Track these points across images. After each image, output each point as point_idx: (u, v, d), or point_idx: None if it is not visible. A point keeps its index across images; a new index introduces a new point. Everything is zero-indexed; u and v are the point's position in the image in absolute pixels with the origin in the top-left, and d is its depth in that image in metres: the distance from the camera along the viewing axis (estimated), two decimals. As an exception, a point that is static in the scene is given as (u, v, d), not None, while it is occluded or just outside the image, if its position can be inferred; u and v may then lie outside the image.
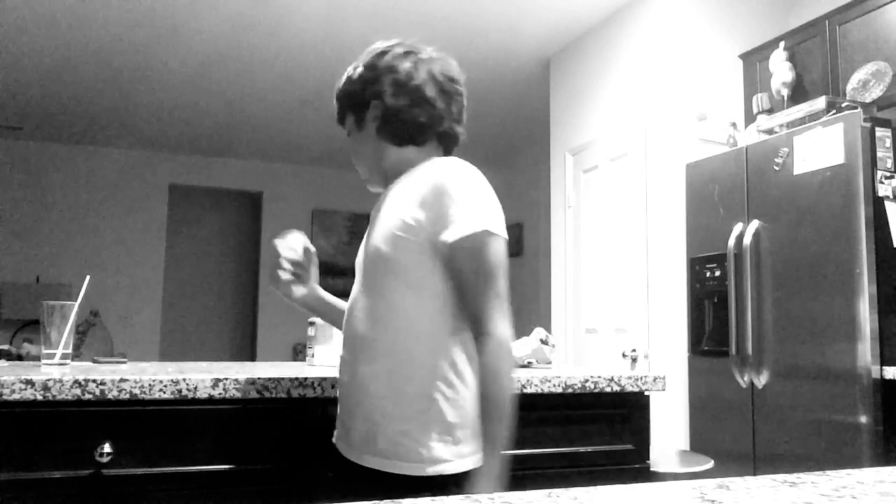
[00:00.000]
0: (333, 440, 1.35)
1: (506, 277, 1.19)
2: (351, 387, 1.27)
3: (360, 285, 1.31)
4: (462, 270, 1.18)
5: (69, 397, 1.31)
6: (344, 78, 1.39)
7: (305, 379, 1.46)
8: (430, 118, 1.31)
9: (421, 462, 1.17)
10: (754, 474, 2.63)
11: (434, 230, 1.18)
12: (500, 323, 1.17)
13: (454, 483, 1.18)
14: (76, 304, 1.71)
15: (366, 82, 1.33)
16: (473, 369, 1.21)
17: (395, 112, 1.30)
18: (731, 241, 2.91)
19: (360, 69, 1.35)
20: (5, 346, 2.22)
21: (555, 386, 1.65)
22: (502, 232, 1.21)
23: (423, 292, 1.21)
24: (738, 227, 2.90)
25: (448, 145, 1.37)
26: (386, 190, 1.35)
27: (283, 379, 1.45)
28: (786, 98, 3.11)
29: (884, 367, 2.39)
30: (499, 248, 1.19)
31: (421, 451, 1.17)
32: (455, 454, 1.19)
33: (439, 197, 1.18)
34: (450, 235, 1.16)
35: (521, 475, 1.40)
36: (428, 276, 1.20)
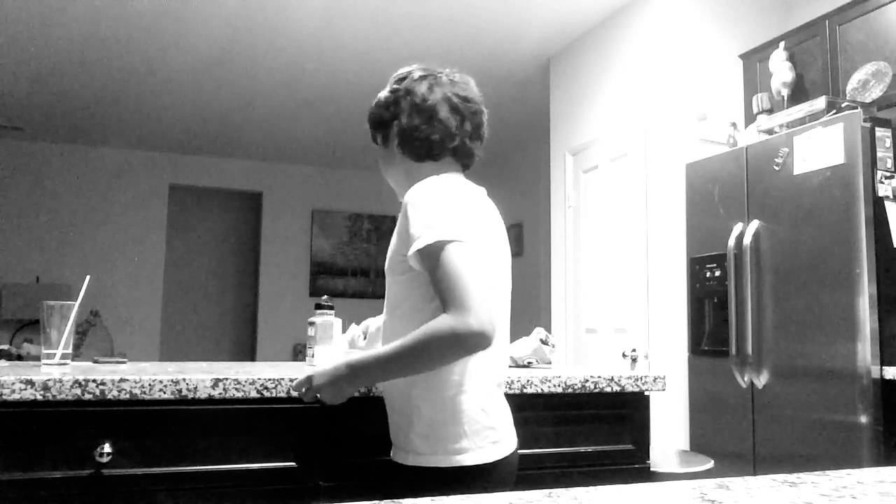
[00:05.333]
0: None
1: (472, 276, 1.23)
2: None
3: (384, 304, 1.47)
4: (431, 280, 1.27)
5: (69, 397, 1.31)
6: (374, 101, 1.52)
7: (305, 379, 1.46)
8: (443, 135, 1.42)
9: (406, 452, 1.32)
10: (754, 474, 2.63)
11: (404, 249, 1.30)
12: (461, 313, 1.20)
13: (447, 478, 1.27)
14: (76, 304, 1.71)
15: (388, 105, 1.46)
16: (457, 371, 1.29)
17: (411, 131, 1.42)
18: (731, 241, 2.90)
19: (384, 93, 1.49)
20: (5, 346, 2.22)
21: (555, 386, 1.65)
22: (459, 236, 1.26)
23: (410, 305, 1.34)
24: (738, 227, 2.90)
25: (463, 160, 1.48)
26: None
27: (283, 379, 1.45)
28: (786, 98, 3.11)
29: (884, 367, 2.39)
30: (455, 253, 1.24)
31: (406, 444, 1.33)
32: (439, 449, 1.28)
33: (402, 219, 1.32)
34: (410, 251, 1.28)
35: (522, 475, 1.40)
36: (411, 290, 1.34)
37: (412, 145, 1.43)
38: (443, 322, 1.20)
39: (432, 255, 1.24)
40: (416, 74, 1.46)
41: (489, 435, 1.30)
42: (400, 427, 1.34)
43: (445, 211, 1.28)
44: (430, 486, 1.28)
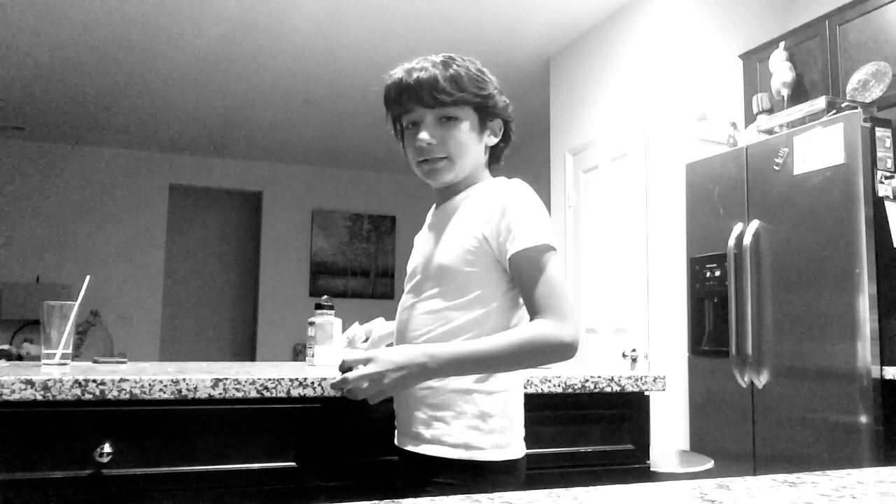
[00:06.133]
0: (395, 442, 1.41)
1: (566, 287, 1.29)
2: None
3: (420, 291, 1.38)
4: (524, 281, 1.28)
5: (69, 397, 1.31)
6: (475, 72, 1.38)
7: (305, 379, 1.46)
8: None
9: (451, 446, 1.27)
10: (754, 474, 2.63)
11: (499, 245, 1.29)
12: (562, 322, 1.24)
13: (493, 471, 1.27)
14: (76, 304, 1.71)
15: (506, 107, 1.45)
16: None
17: (504, 145, 1.48)
18: (731, 241, 2.90)
19: (491, 83, 1.41)
20: (5, 346, 2.22)
21: (555, 386, 1.65)
22: (556, 246, 1.32)
23: (482, 296, 1.31)
24: (738, 227, 2.90)
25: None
26: (450, 200, 1.43)
27: (283, 379, 1.45)
28: (786, 98, 3.11)
29: (884, 367, 2.39)
30: (556, 261, 1.30)
31: (449, 436, 1.27)
32: (489, 442, 1.27)
33: (504, 214, 1.29)
34: (513, 248, 1.27)
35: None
36: (485, 282, 1.31)
37: (497, 153, 1.47)
38: (547, 328, 1.23)
39: (534, 258, 1.27)
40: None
41: (522, 430, 1.36)
42: (441, 419, 1.28)
43: (546, 218, 1.33)
44: (480, 477, 1.26)
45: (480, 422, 1.28)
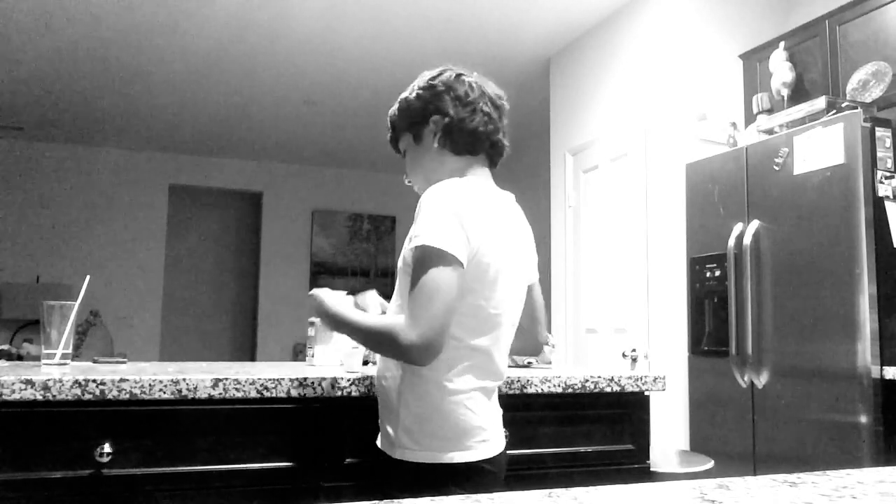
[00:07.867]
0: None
1: (442, 295, 1.23)
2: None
3: None
4: (410, 278, 1.29)
5: (69, 397, 1.31)
6: (398, 102, 1.53)
7: (305, 379, 1.47)
8: (487, 127, 1.45)
9: (392, 445, 1.33)
10: (754, 474, 2.63)
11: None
12: (411, 325, 1.23)
13: (430, 473, 1.29)
14: (76, 304, 1.71)
15: (426, 100, 1.47)
16: (441, 373, 1.31)
17: (458, 122, 1.44)
18: (731, 241, 2.90)
19: (416, 91, 1.50)
20: (5, 346, 2.22)
21: (555, 386, 1.65)
22: (451, 249, 1.25)
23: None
24: (738, 227, 2.90)
25: (494, 156, 1.51)
26: None
27: (283, 379, 1.45)
28: (786, 98, 3.11)
29: (884, 367, 2.39)
30: (438, 265, 1.25)
31: (392, 437, 1.34)
32: (425, 446, 1.30)
33: (415, 217, 1.33)
34: (405, 248, 1.32)
35: (522, 475, 1.40)
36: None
37: (456, 137, 1.44)
38: (396, 324, 1.25)
39: (417, 258, 1.27)
40: (452, 73, 1.48)
41: (479, 434, 1.32)
42: (388, 420, 1.36)
43: (449, 220, 1.27)
44: (417, 480, 1.29)
45: (414, 424, 1.30)
